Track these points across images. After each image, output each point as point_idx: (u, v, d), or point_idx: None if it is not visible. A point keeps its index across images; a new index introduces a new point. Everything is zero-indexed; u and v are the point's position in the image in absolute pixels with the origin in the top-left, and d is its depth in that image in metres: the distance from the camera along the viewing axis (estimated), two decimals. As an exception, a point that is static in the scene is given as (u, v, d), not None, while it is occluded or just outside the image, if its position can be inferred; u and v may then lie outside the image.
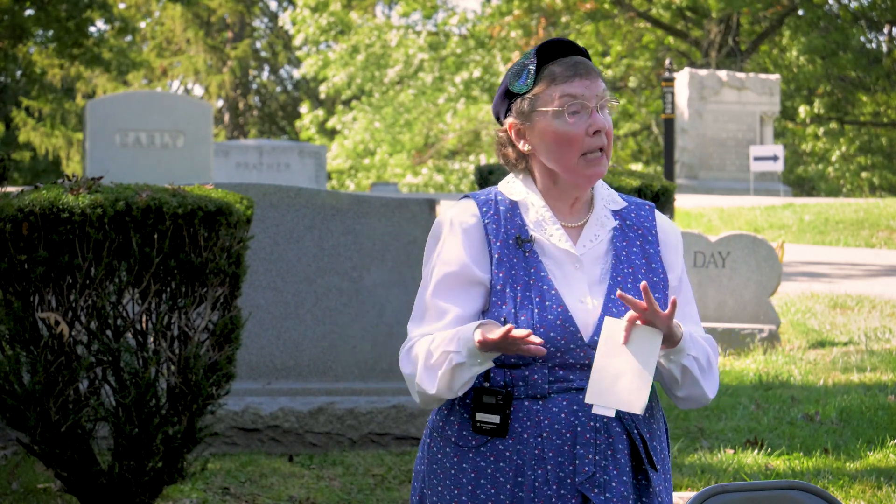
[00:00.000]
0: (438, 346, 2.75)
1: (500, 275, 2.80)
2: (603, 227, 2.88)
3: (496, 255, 2.81)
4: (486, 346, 2.69)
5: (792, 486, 2.89)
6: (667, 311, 2.71)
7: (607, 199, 2.93)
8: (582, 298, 2.80)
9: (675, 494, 5.78)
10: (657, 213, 2.97)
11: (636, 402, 2.69)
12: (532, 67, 2.84)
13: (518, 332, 2.65)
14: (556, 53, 2.86)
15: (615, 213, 2.91)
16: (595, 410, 2.72)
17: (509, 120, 2.89)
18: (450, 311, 2.81)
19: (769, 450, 6.77)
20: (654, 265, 2.89)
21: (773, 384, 8.57)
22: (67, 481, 4.95)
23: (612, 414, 2.71)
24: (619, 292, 2.72)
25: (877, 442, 6.91)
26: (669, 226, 2.96)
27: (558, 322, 2.76)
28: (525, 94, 2.85)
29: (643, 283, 2.71)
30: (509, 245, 2.82)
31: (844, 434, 7.14)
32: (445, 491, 2.83)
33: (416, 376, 2.77)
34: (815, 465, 6.47)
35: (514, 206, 2.86)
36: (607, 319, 2.74)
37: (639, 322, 2.72)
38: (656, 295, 2.85)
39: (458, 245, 2.83)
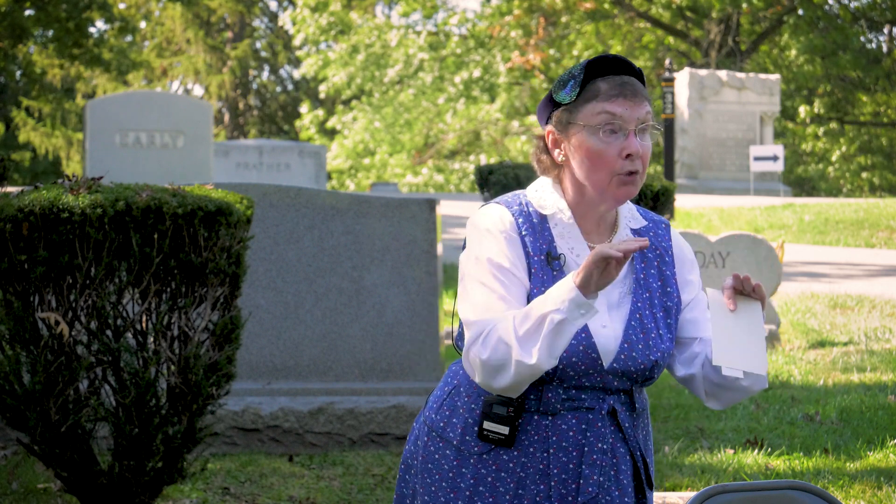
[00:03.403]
0: (526, 317, 2.65)
1: (535, 290, 2.77)
2: None
3: (533, 269, 2.78)
4: (586, 279, 2.61)
5: (792, 486, 2.89)
6: (755, 285, 2.78)
7: (629, 217, 2.90)
8: (604, 323, 2.78)
9: (675, 494, 5.78)
10: (672, 231, 2.97)
11: (761, 365, 2.77)
12: (579, 79, 2.79)
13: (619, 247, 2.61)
14: (608, 70, 2.80)
15: (634, 233, 2.89)
16: (725, 372, 2.77)
17: (548, 127, 2.84)
18: (508, 290, 2.74)
19: (769, 450, 6.77)
20: (668, 288, 2.88)
21: (773, 384, 8.57)
22: (67, 481, 4.95)
23: (740, 375, 2.78)
24: (734, 273, 2.80)
25: (877, 442, 6.91)
26: (684, 244, 2.97)
27: (581, 348, 2.74)
28: (567, 104, 2.81)
29: (746, 275, 2.79)
30: (541, 260, 2.79)
31: (844, 434, 7.14)
32: (440, 493, 2.81)
33: (513, 352, 2.63)
34: (815, 465, 6.47)
35: (543, 220, 2.82)
36: (710, 290, 2.79)
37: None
38: (668, 320, 2.86)
39: (503, 248, 2.78)
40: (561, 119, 2.82)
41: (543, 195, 2.86)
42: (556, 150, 2.84)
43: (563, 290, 2.63)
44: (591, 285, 2.62)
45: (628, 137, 2.76)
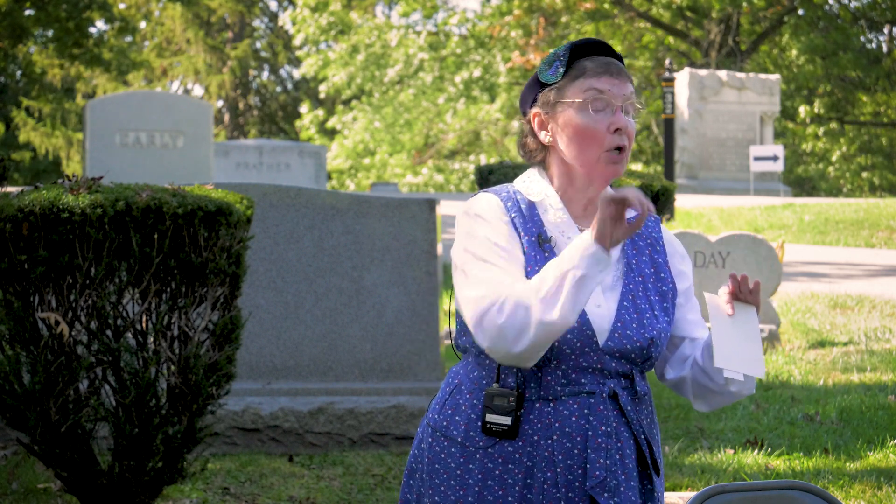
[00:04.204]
0: (543, 279, 2.66)
1: (528, 268, 2.78)
2: None
3: (525, 248, 2.80)
4: (601, 230, 2.64)
5: (792, 486, 2.89)
6: (752, 288, 2.82)
7: None
8: (598, 303, 2.80)
9: (675, 494, 5.78)
10: (662, 225, 2.99)
11: (760, 367, 2.80)
12: (564, 59, 2.83)
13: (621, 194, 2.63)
14: (591, 52, 2.85)
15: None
16: (726, 374, 2.79)
17: (534, 109, 2.87)
18: (509, 266, 2.74)
19: (769, 450, 6.77)
20: (662, 274, 2.89)
21: (773, 384, 8.57)
22: (67, 481, 4.95)
23: (740, 378, 2.80)
24: (732, 273, 2.83)
25: (877, 442, 6.91)
26: (674, 238, 2.99)
27: (576, 324, 2.74)
28: (553, 84, 2.84)
29: (743, 274, 2.82)
30: (532, 241, 2.81)
31: (844, 434, 7.14)
32: (450, 491, 2.81)
33: (533, 313, 2.64)
34: (815, 465, 6.47)
35: (532, 207, 2.84)
36: (707, 295, 2.82)
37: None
38: (665, 304, 2.87)
39: (498, 228, 2.80)
40: (548, 99, 2.85)
41: (530, 184, 2.88)
42: (543, 132, 2.86)
43: (580, 246, 2.66)
44: (608, 236, 2.65)
45: (616, 113, 2.80)
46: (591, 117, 2.79)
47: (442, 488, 2.82)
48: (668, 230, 3.00)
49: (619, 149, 2.80)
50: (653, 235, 2.94)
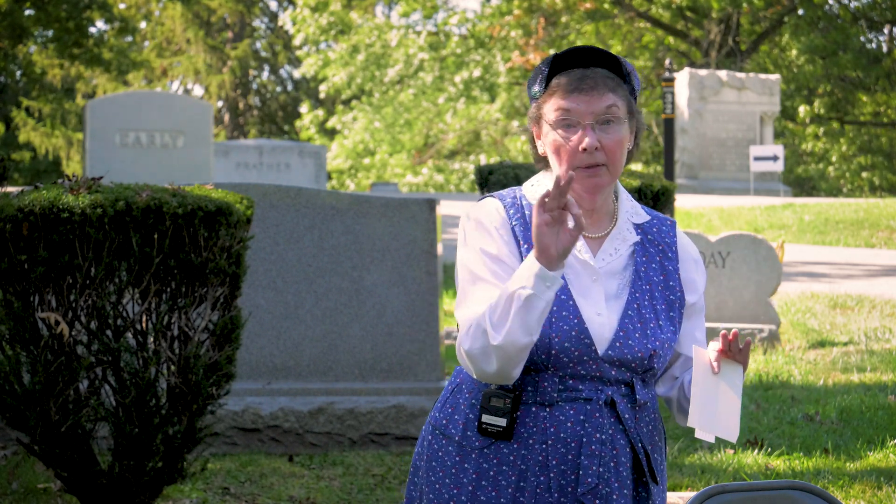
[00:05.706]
0: (498, 301, 2.67)
1: None
2: (624, 242, 2.85)
3: (524, 258, 2.78)
4: (540, 244, 2.61)
5: (792, 486, 2.89)
6: (742, 347, 2.77)
7: (631, 211, 2.90)
8: (599, 311, 2.78)
9: (675, 494, 5.78)
10: (678, 230, 2.96)
11: (734, 431, 2.78)
12: (545, 74, 2.82)
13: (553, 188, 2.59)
14: (576, 62, 2.81)
15: (637, 227, 2.89)
16: (698, 435, 2.79)
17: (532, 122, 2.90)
18: (502, 280, 2.74)
19: (769, 450, 6.77)
20: (671, 283, 2.87)
21: (773, 384, 8.57)
22: (67, 481, 4.95)
23: (712, 440, 2.79)
24: (723, 332, 2.77)
25: (877, 442, 6.91)
26: (689, 243, 2.96)
27: (573, 333, 2.74)
28: (536, 99, 2.84)
29: (734, 331, 2.77)
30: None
31: (844, 434, 7.14)
32: (444, 489, 2.82)
33: (490, 338, 2.65)
34: (815, 465, 6.47)
35: None
36: (696, 348, 2.78)
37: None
38: (671, 313, 2.85)
39: (494, 241, 2.80)
40: (533, 114, 2.87)
41: (538, 189, 2.88)
42: (539, 143, 2.88)
43: (526, 265, 2.66)
44: (548, 248, 2.62)
45: (584, 131, 2.77)
46: (562, 136, 2.78)
47: (437, 486, 2.83)
48: (685, 236, 2.97)
49: (591, 165, 2.77)
50: (665, 241, 2.91)
